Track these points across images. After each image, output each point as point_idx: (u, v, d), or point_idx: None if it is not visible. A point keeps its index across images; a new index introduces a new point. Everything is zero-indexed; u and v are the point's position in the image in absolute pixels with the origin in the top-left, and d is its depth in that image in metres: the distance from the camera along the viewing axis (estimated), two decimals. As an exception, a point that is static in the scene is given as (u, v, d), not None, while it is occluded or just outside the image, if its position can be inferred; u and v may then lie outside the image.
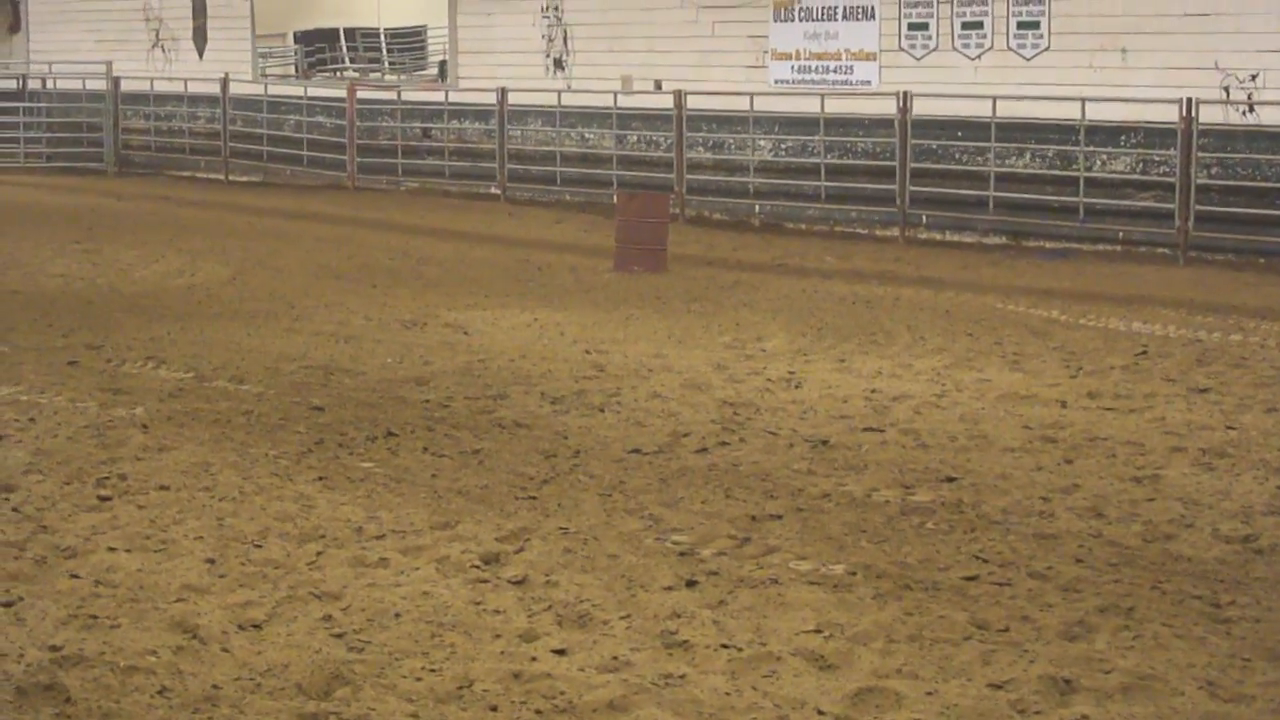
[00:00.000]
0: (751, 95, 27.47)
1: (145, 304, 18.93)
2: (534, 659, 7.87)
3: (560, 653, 7.94)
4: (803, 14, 27.38)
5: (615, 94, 29.39)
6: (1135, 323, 17.87)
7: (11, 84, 39.73)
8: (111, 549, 9.45)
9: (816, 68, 27.28)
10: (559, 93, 30.41)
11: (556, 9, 30.76)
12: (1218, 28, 22.65)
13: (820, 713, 7.28)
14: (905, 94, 25.41)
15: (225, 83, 36.20)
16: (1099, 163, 23.86)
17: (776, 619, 8.36)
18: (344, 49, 38.68)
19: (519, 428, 12.71)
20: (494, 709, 7.29)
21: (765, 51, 27.90)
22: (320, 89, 35.86)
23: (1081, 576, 9.04)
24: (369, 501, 10.53)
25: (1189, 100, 22.32)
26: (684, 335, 17.01)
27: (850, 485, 11.08)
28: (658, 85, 28.93)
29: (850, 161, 26.69)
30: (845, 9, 26.84)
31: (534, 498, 10.68)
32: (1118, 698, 7.38)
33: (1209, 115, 22.59)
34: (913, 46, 26.13)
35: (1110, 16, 23.78)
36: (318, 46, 38.34)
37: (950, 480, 11.20)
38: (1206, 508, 10.50)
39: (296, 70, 37.93)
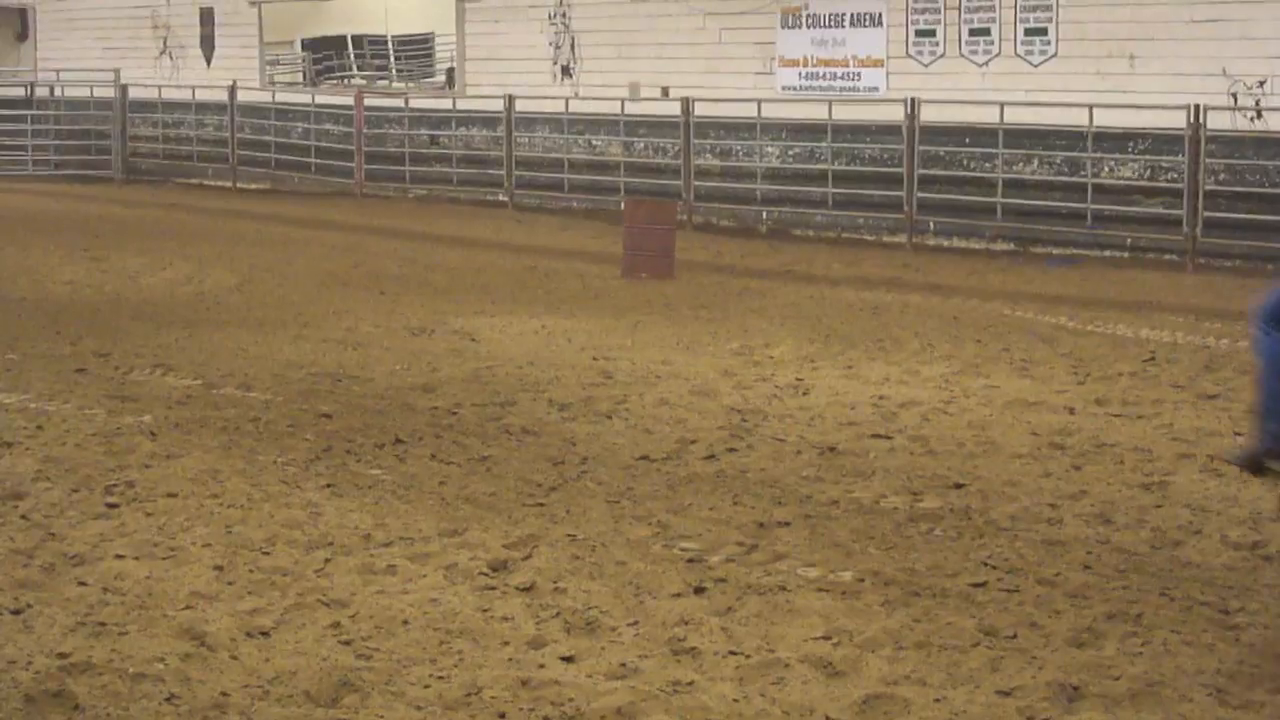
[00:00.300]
0: (759, 102, 27.50)
1: (153, 311, 18.94)
2: (542, 666, 7.86)
3: (568, 660, 7.94)
4: (810, 20, 27.40)
5: (623, 101, 29.43)
6: (1143, 329, 17.87)
7: (19, 92, 39.82)
8: (119, 556, 9.45)
9: (824, 74, 27.30)
10: (566, 100, 30.45)
11: (564, 16, 30.79)
12: (1225, 34, 22.65)
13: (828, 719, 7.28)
14: (913, 100, 25.42)
15: (233, 90, 36.24)
16: (1107, 169, 23.86)
17: (784, 626, 8.35)
18: (352, 56, 38.70)
19: (527, 435, 12.71)
20: (502, 716, 7.28)
21: (772, 58, 27.92)
22: (328, 96, 35.91)
23: (1089, 583, 9.03)
24: (377, 509, 10.53)
25: (1197, 107, 22.32)
26: (692, 342, 17.01)
27: (858, 492, 11.08)
28: (665, 92, 28.95)
29: (858, 168, 26.71)
30: (853, 15, 26.85)
31: (542, 505, 10.67)
32: (1126, 704, 7.37)
33: (1217, 122, 22.59)
34: (920, 53, 26.14)
35: (1118, 23, 23.79)
36: (325, 54, 38.36)
37: (958, 487, 11.19)
38: (1215, 514, 10.49)
39: (304, 78, 37.95)
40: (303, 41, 38.29)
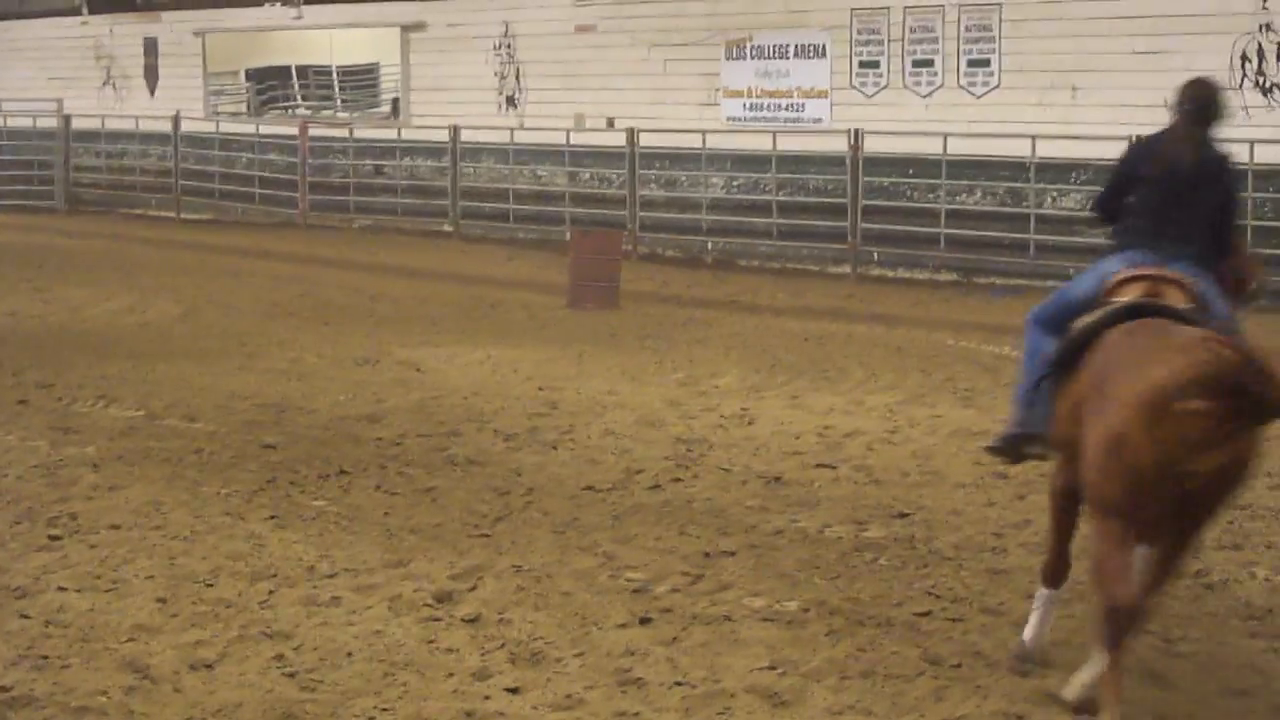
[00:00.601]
0: (704, 133, 27.55)
1: (96, 342, 18.85)
2: (487, 698, 7.85)
3: (514, 691, 7.92)
4: (754, 52, 27.48)
5: (568, 131, 29.45)
6: (1086, 359, 17.91)
7: (-38, 122, 39.59)
8: (62, 589, 9.39)
9: (768, 105, 27.38)
10: (512, 130, 30.45)
11: (509, 47, 30.80)
12: (1168, 65, 22.75)
13: (774, 750, 7.29)
14: (856, 131, 25.51)
15: (177, 120, 36.14)
16: (1050, 200, 23.99)
17: (730, 656, 8.36)
18: (296, 86, 38.59)
19: (472, 465, 12.69)
20: (447, 748, 7.27)
21: (717, 89, 27.99)
22: (272, 126, 35.84)
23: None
24: (321, 540, 10.49)
25: (1139, 137, 22.38)
26: (637, 372, 17.02)
27: (803, 521, 11.09)
28: (610, 123, 28.98)
29: (802, 199, 26.78)
30: (797, 47, 26.94)
31: (487, 535, 10.66)
32: (1070, 733, 7.40)
33: (1158, 152, 22.69)
34: (864, 84, 26.24)
35: (1060, 54, 23.93)
36: (270, 84, 38.22)
37: (903, 516, 11.22)
38: (1158, 543, 10.53)
39: (248, 108, 37.83)
40: (247, 72, 38.16)
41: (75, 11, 39.81)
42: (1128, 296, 8.06)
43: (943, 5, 25.34)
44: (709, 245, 27.85)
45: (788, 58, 27.10)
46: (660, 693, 7.89)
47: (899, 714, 7.63)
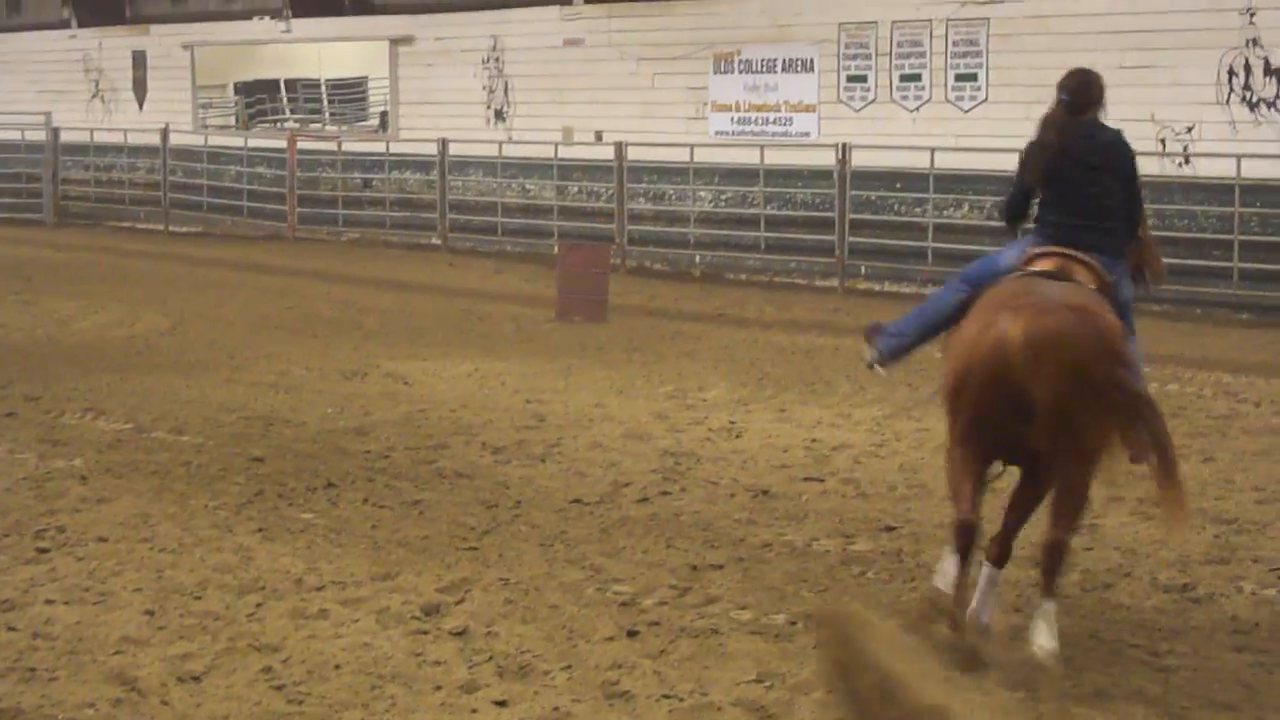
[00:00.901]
0: (692, 146, 27.57)
1: (84, 355, 18.84)
2: (475, 710, 7.85)
3: (501, 704, 7.93)
4: (742, 66, 27.52)
5: (556, 145, 29.47)
6: (1073, 372, 17.93)
7: (-51, 135, 39.57)
8: (50, 601, 9.40)
9: (756, 119, 27.42)
10: (500, 143, 30.47)
11: (497, 60, 30.83)
12: (1154, 80, 22.85)
13: (761, 762, 7.29)
14: (844, 145, 25.54)
15: (165, 133, 36.14)
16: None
17: (718, 669, 8.36)
18: (284, 100, 38.59)
19: (460, 478, 12.69)
20: (435, 760, 7.27)
21: (705, 103, 28.03)
22: (260, 139, 35.84)
23: (1020, 625, 9.06)
24: (309, 553, 10.50)
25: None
26: (625, 385, 17.02)
27: (791, 535, 11.10)
28: (598, 136, 29.01)
29: (790, 212, 26.81)
30: (784, 61, 26.98)
31: (475, 548, 10.66)
32: (1057, 746, 7.41)
33: (1145, 167, 22.49)
34: (851, 98, 26.29)
35: (1047, 69, 23.77)
36: (258, 97, 38.21)
37: (890, 530, 11.23)
38: (1144, 557, 10.56)
39: (237, 121, 37.83)
40: (236, 85, 38.17)
41: (64, 25, 39.82)
42: (1040, 266, 8.82)
43: (930, 20, 25.38)
44: (697, 258, 27.87)
45: (775, 72, 27.15)
46: (647, 706, 7.89)
47: (886, 727, 7.63)
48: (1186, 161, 22.72)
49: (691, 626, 9.02)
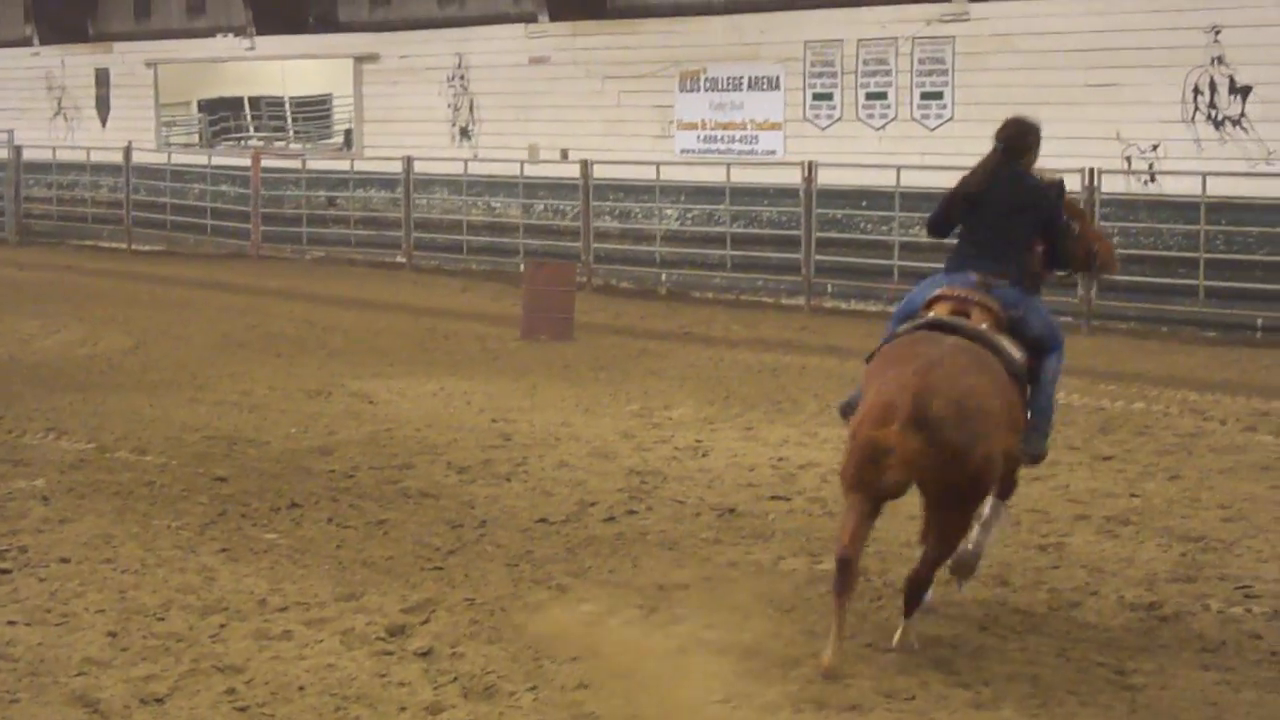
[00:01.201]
0: (658, 164, 27.57)
1: (46, 374, 18.75)
2: (440, 732, 7.81)
3: (466, 725, 7.89)
4: (708, 84, 27.53)
5: (521, 163, 29.44)
6: (1039, 391, 17.93)
7: (-89, 153, 39.43)
8: (11, 622, 9.33)
9: (722, 137, 27.43)
10: (465, 161, 30.44)
11: (462, 78, 30.81)
12: (1120, 99, 22.92)
13: (728, 784, 7.26)
14: (810, 164, 25.55)
15: (128, 151, 36.04)
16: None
17: (684, 689, 8.33)
18: (248, 117, 38.54)
19: (425, 498, 12.65)
20: (399, 783, 7.22)
21: (671, 121, 28.04)
22: (224, 158, 35.77)
23: (987, 644, 9.06)
24: (272, 573, 10.44)
25: (1091, 170, 22.53)
26: (591, 404, 16.99)
27: (757, 554, 11.07)
28: (564, 154, 29.00)
29: (756, 231, 26.81)
30: (750, 79, 27.00)
31: (440, 568, 10.61)
32: (1025, 766, 7.39)
33: (1111, 185, 22.82)
34: (817, 116, 26.31)
35: (1013, 87, 23.99)
36: (222, 115, 38.17)
37: (857, 549, 11.19)
38: (1111, 575, 10.56)
39: (200, 139, 37.77)
40: (199, 103, 38.11)
41: (26, 42, 39.72)
42: (935, 312, 9.66)
43: (896, 38, 25.42)
44: (663, 277, 27.86)
45: (741, 90, 27.16)
46: (614, 726, 7.86)
47: (853, 747, 7.61)
48: (1152, 179, 22.77)
49: (658, 647, 8.98)
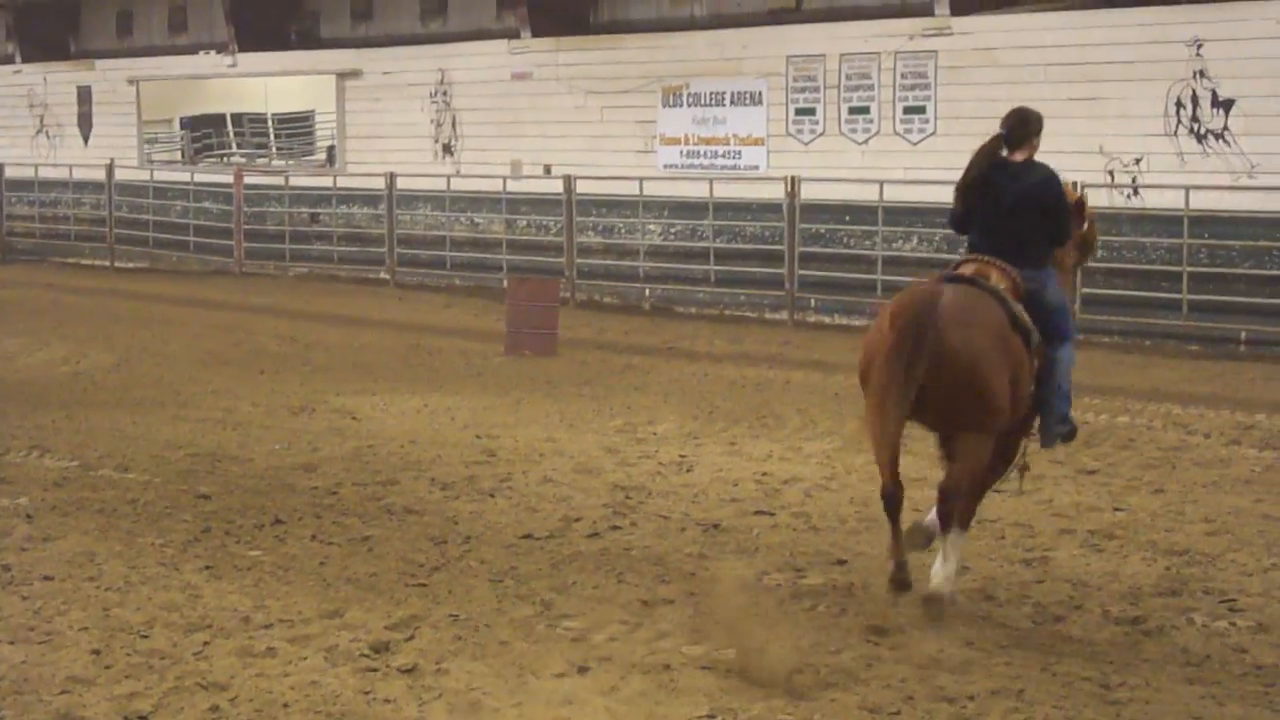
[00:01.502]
0: (640, 180, 27.57)
1: (29, 392, 18.72)
2: (425, 748, 7.80)
3: (451, 742, 7.87)
4: (691, 99, 27.55)
5: (504, 179, 29.44)
6: (1023, 404, 17.95)
7: (-107, 171, 39.38)
8: (-6, 641, 9.31)
9: (705, 153, 27.44)
10: (448, 177, 30.43)
11: (445, 94, 30.81)
12: (1102, 112, 22.94)
13: (714, 799, 7.25)
14: (793, 179, 25.56)
15: (111, 169, 36.01)
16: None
17: (669, 705, 8.32)
18: (231, 134, 38.53)
19: (409, 514, 12.63)
20: (384, 800, 7.21)
21: (654, 136, 28.04)
22: (207, 174, 35.74)
23: (972, 659, 9.05)
24: (256, 590, 10.42)
25: (1074, 184, 22.50)
26: (575, 419, 16.98)
27: (742, 569, 11.05)
28: (547, 170, 29.00)
29: (739, 245, 26.82)
30: (733, 94, 27.02)
31: (424, 585, 10.60)
32: (1010, 780, 7.39)
33: (1094, 198, 22.77)
34: (800, 131, 26.33)
35: (995, 101, 23.97)
36: (204, 132, 38.16)
37: (841, 563, 11.21)
38: (1095, 589, 10.56)
39: (183, 156, 37.74)
40: (182, 120, 38.09)
41: (8, 60, 39.70)
42: (964, 270, 10.39)
43: (878, 53, 25.45)
44: (646, 292, 27.86)
45: (724, 105, 27.18)
46: (599, 742, 7.85)
47: (839, 762, 7.60)
48: (1135, 193, 22.80)
49: (643, 662, 8.97)
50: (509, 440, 15.72)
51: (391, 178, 30.94)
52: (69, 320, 25.89)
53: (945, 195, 24.12)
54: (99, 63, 38.06)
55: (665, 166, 27.92)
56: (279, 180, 34.39)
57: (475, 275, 29.87)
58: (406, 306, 28.21)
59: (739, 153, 27.09)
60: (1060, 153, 22.58)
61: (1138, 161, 22.73)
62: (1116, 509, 12.77)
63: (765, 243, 26.40)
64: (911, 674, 8.79)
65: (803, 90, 26.25)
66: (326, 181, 33.29)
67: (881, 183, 24.76)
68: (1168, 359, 21.49)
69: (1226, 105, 22.22)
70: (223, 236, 33.98)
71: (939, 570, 9.82)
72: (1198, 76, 22.37)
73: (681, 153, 27.78)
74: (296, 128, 38.15)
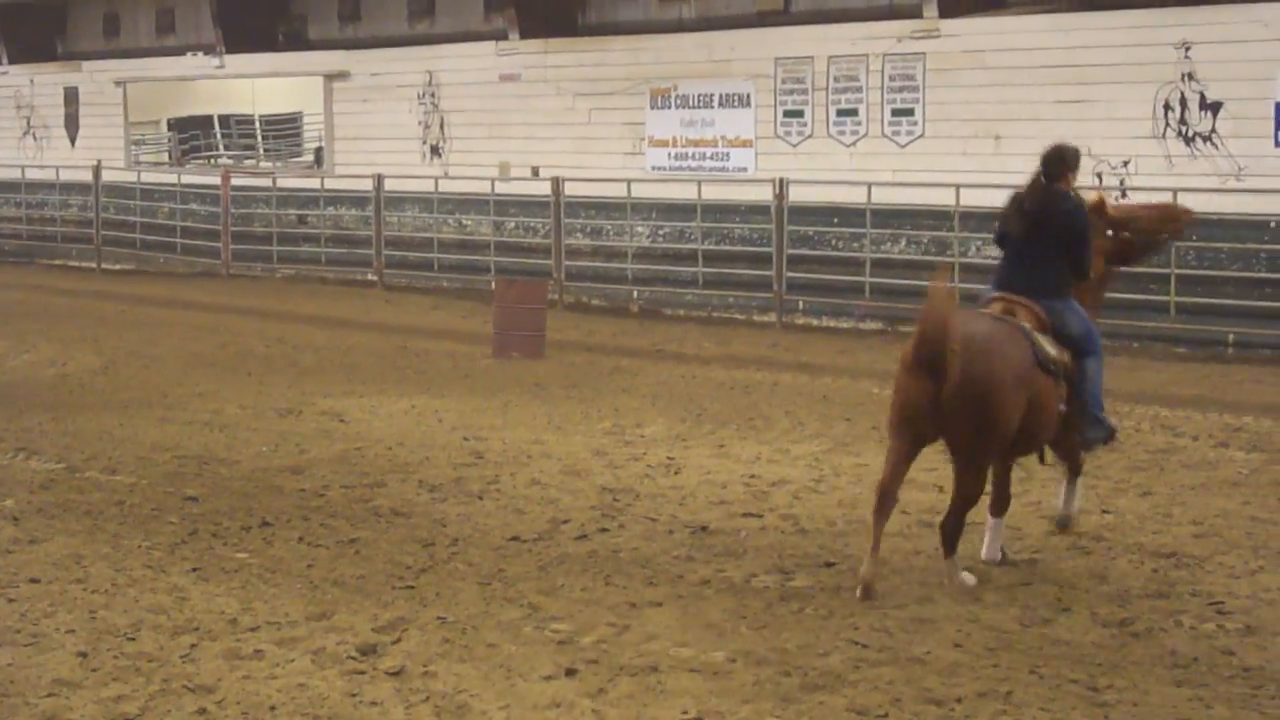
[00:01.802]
0: (629, 182, 27.56)
1: (16, 394, 18.70)
2: (412, 751, 7.79)
3: (438, 745, 7.86)
4: (679, 101, 27.54)
5: (492, 180, 29.42)
6: (1010, 407, 17.95)
7: (-121, 172, 39.33)
8: (-20, 643, 9.30)
9: (693, 154, 27.43)
10: (436, 179, 30.41)
11: (433, 96, 30.79)
12: (1089, 115, 22.95)
13: (701, 802, 7.24)
14: (781, 180, 25.56)
15: (98, 170, 35.96)
16: (974, 248, 24.07)
17: (656, 707, 8.31)
18: (218, 136, 38.49)
19: (396, 516, 12.62)
20: (371, 803, 7.20)
21: (642, 138, 28.03)
22: (194, 176, 35.70)
23: (959, 661, 9.05)
24: (243, 592, 10.41)
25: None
26: (563, 421, 16.98)
27: (730, 571, 11.06)
28: (535, 172, 28.98)
29: (727, 248, 26.80)
30: (721, 96, 27.01)
31: (411, 587, 10.59)
32: (998, 783, 7.38)
33: (1081, 200, 22.84)
34: (788, 133, 26.32)
35: (983, 104, 24.06)
36: (192, 133, 38.12)
37: (829, 565, 11.21)
38: (1083, 591, 10.56)
39: (170, 157, 37.70)
40: (169, 121, 38.05)
41: (-5, 61, 39.66)
42: (991, 310, 11.22)
43: (866, 55, 25.45)
44: (634, 294, 27.84)
45: (712, 107, 27.17)
46: (587, 745, 7.84)
47: (827, 765, 7.60)
48: (1123, 195, 22.77)
49: (630, 664, 8.97)
50: (497, 442, 15.71)
51: (379, 179, 30.92)
52: (56, 322, 25.85)
53: (933, 197, 24.33)
54: (86, 64, 38.00)
55: (653, 168, 27.91)
56: (266, 182, 34.35)
57: (463, 277, 29.85)
58: (394, 308, 28.19)
59: (727, 155, 27.09)
60: (1048, 155, 22.70)
61: (1126, 164, 22.73)
62: (1104, 511, 12.78)
63: (753, 245, 26.39)
64: (899, 676, 8.79)
65: (791, 92, 26.25)
66: (314, 183, 33.24)
67: (869, 185, 24.76)
68: (1155, 361, 21.50)
69: (1214, 108, 22.23)
70: (210, 238, 33.94)
71: (1063, 508, 12.05)
72: (1185, 79, 22.38)
73: (670, 155, 27.77)
74: (284, 129, 38.14)
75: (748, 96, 26.70)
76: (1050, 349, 10.95)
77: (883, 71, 25.27)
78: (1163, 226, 12.64)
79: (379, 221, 31.04)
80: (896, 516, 12.58)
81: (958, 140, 24.38)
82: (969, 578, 10.70)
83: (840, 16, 26.45)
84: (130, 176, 36.27)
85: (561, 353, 22.37)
